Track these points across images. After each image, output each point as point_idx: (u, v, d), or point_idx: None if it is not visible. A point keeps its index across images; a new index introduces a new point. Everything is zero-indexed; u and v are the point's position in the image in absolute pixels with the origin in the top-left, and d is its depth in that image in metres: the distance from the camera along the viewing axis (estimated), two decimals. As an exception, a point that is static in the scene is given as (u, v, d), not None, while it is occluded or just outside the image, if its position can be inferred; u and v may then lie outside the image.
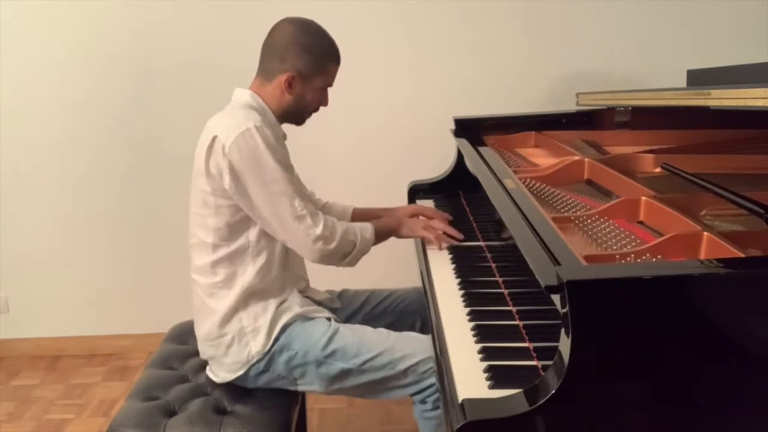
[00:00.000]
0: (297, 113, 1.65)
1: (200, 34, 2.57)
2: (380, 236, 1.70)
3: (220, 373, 1.61)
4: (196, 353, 1.70)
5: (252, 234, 1.56)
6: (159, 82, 2.63)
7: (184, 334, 1.87)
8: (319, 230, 1.53)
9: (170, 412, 1.55)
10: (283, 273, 1.62)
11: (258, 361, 1.57)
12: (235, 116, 1.53)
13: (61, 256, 2.81)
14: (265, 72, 1.61)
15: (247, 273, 1.56)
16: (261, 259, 1.57)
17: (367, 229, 1.66)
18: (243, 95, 1.61)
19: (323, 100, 1.66)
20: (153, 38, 2.58)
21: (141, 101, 2.65)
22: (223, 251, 1.55)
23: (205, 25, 2.56)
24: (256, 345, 1.56)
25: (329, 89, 1.67)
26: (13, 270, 2.82)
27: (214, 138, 1.49)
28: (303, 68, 1.58)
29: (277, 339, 1.57)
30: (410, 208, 1.92)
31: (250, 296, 1.57)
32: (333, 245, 1.56)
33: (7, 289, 2.85)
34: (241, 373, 1.58)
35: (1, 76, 2.61)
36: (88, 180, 2.73)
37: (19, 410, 2.53)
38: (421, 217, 1.84)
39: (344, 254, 1.60)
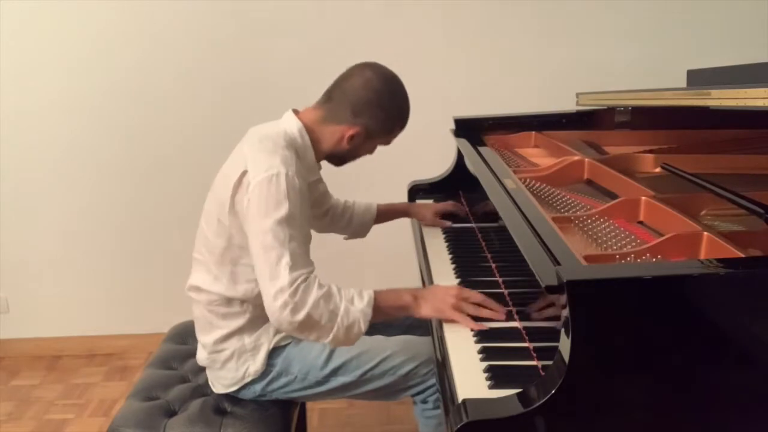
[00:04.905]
0: (344, 160, 1.60)
1: (205, 35, 2.58)
2: (384, 313, 1.43)
3: (215, 383, 1.60)
4: (196, 354, 1.70)
5: None
6: (161, 85, 2.63)
7: (184, 334, 1.87)
8: (287, 294, 1.32)
9: (170, 412, 1.55)
10: None
11: (255, 384, 1.55)
12: (274, 153, 1.41)
13: (61, 256, 2.81)
14: (330, 112, 1.52)
15: (251, 301, 1.50)
16: None
17: (359, 314, 1.37)
18: (292, 126, 1.50)
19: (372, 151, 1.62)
20: (158, 39, 2.59)
21: (142, 103, 2.65)
22: (229, 283, 1.50)
23: (211, 29, 2.57)
24: (254, 365, 1.53)
25: None
26: (13, 270, 2.81)
27: (244, 173, 1.41)
28: (371, 128, 1.52)
29: (274, 364, 1.54)
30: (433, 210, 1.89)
31: (255, 318, 1.52)
32: (301, 315, 1.33)
33: (7, 289, 2.85)
34: (234, 389, 1.56)
35: (2, 76, 2.61)
36: (89, 181, 2.73)
37: (19, 410, 2.53)
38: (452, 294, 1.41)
39: (318, 333, 1.37)
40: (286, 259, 1.34)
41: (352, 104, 1.50)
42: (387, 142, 1.61)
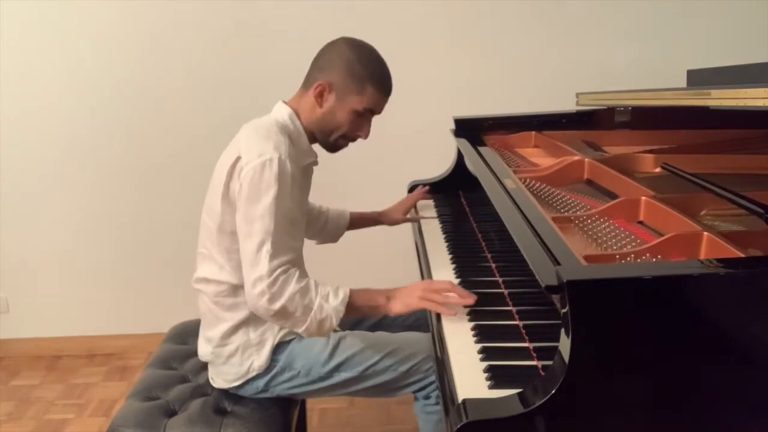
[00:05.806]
0: (326, 132, 1.55)
1: (205, 36, 2.58)
2: (358, 311, 1.47)
3: (217, 378, 1.60)
4: (196, 353, 1.70)
5: None
6: (161, 85, 2.63)
7: (184, 334, 1.87)
8: (265, 284, 1.36)
9: (170, 412, 1.55)
10: None
11: (257, 379, 1.55)
12: (267, 139, 1.43)
13: (61, 256, 2.81)
14: (305, 81, 1.55)
15: None
16: None
17: (331, 311, 1.40)
18: (282, 112, 1.54)
19: (361, 128, 1.55)
20: (158, 39, 2.59)
21: (142, 104, 2.65)
22: (233, 270, 1.51)
23: (211, 29, 2.57)
24: (259, 359, 1.54)
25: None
26: (13, 270, 2.81)
27: (238, 159, 1.44)
28: (337, 81, 1.49)
29: (278, 359, 1.55)
30: (405, 205, 1.93)
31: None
32: (277, 305, 1.37)
33: (7, 289, 2.85)
34: (237, 384, 1.56)
35: (2, 76, 2.61)
36: (89, 181, 2.73)
37: (19, 410, 2.53)
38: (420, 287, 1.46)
39: (292, 323, 1.42)
40: (267, 247, 1.37)
41: (319, 64, 1.53)
42: (365, 106, 1.51)
